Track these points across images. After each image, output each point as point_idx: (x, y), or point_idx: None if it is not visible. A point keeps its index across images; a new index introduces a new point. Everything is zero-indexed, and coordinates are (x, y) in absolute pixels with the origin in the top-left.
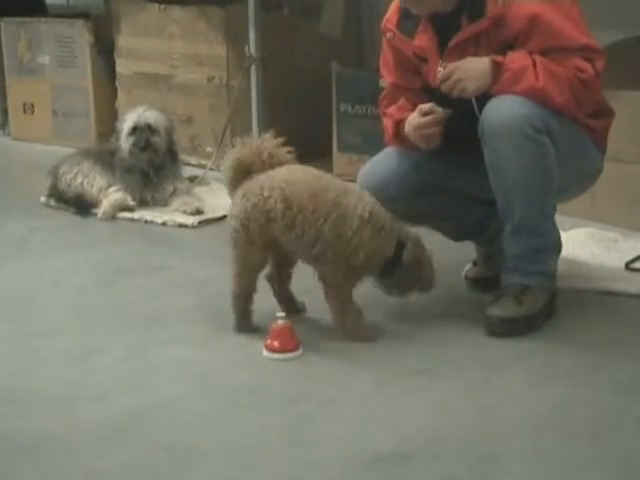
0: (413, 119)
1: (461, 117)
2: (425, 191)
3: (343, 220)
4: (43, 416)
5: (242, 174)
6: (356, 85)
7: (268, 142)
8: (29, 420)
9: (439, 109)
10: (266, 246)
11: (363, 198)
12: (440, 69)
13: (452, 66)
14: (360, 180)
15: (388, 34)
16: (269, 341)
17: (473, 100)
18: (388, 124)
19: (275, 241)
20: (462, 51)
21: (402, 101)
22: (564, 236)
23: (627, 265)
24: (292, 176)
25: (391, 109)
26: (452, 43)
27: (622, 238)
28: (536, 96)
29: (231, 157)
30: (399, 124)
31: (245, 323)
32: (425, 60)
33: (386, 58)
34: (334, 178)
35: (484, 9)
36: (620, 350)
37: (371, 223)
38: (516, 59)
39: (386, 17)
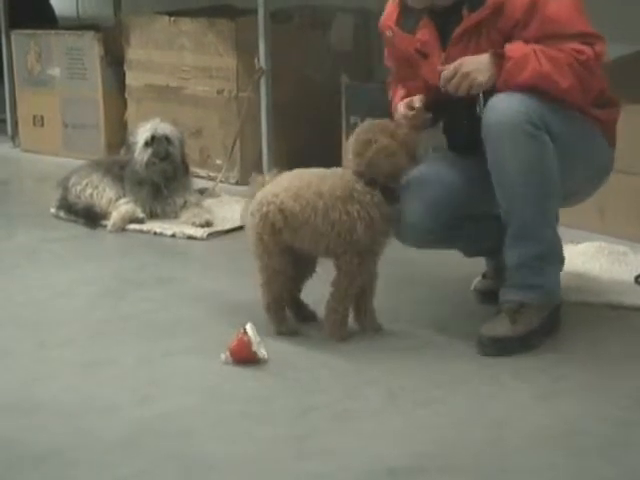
0: (401, 108)
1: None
2: (459, 220)
3: (328, 206)
4: (53, 427)
5: None
6: (365, 97)
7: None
8: (40, 431)
9: (421, 109)
10: (284, 253)
11: (343, 176)
12: (441, 68)
13: (455, 63)
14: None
15: (388, 32)
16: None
17: (481, 95)
18: (393, 99)
19: (291, 247)
20: (465, 43)
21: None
22: (573, 250)
23: (637, 279)
24: (277, 187)
25: (399, 89)
26: (456, 34)
27: (632, 252)
28: (542, 81)
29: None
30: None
31: (282, 328)
32: (426, 56)
33: (389, 53)
34: (314, 171)
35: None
36: (630, 364)
37: (352, 198)
38: (516, 47)
39: (384, 15)
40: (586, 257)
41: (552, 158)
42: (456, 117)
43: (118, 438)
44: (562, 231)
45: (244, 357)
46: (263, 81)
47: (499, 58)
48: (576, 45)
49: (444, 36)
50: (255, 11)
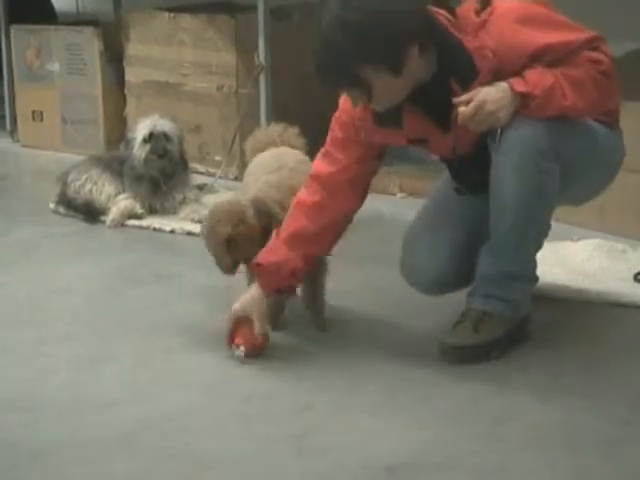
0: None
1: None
2: (468, 270)
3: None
4: (52, 423)
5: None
6: None
7: (285, 133)
8: (38, 427)
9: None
10: None
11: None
12: (457, 101)
13: (479, 98)
14: (406, 276)
15: (363, 134)
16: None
17: (499, 130)
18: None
19: None
20: None
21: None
22: (572, 247)
23: (636, 276)
24: (259, 159)
25: (307, 193)
26: (455, 115)
27: (631, 249)
28: (566, 112)
29: (249, 141)
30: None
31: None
32: (424, 141)
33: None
34: (295, 160)
35: (474, 65)
36: (629, 363)
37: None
38: (539, 81)
39: (352, 114)
40: (585, 254)
41: (552, 190)
42: (468, 168)
43: (117, 436)
44: (562, 228)
45: (260, 345)
46: (263, 77)
47: (523, 96)
48: (589, 54)
49: (436, 113)
50: (255, 7)
